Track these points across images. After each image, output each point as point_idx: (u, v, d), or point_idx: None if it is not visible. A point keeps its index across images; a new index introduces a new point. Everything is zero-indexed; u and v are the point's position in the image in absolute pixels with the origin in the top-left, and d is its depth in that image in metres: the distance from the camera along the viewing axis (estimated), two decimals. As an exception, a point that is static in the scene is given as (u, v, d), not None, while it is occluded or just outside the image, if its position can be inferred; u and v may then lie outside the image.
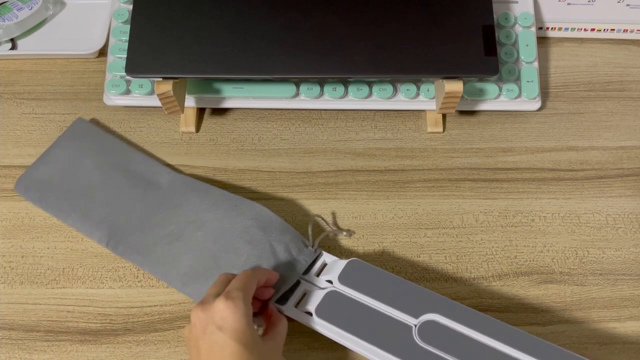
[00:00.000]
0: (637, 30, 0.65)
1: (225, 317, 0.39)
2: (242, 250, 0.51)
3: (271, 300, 0.47)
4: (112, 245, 0.53)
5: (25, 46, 0.66)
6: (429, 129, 0.61)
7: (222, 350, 0.39)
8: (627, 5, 0.63)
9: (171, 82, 0.54)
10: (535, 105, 0.61)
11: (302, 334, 0.49)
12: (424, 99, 0.60)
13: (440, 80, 0.56)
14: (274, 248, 0.50)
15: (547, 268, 0.54)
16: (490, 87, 0.59)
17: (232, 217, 0.52)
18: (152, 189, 0.55)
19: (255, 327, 0.41)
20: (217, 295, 0.41)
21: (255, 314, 0.44)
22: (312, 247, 0.51)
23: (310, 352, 0.50)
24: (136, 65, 0.53)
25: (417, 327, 0.44)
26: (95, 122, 0.61)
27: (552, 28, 0.65)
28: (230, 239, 0.51)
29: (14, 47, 0.65)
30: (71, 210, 0.54)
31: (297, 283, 0.49)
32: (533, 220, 0.56)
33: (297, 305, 0.47)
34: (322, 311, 0.45)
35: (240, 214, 0.52)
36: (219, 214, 0.53)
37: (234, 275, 0.44)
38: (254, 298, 0.43)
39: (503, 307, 0.52)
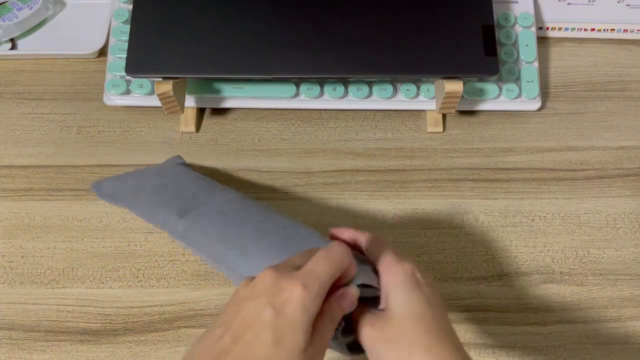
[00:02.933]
0: (637, 30, 0.65)
1: (287, 301, 0.32)
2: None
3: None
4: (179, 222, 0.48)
5: (25, 46, 0.66)
6: (429, 129, 0.61)
7: (256, 334, 0.31)
8: (627, 5, 0.63)
9: (171, 82, 0.54)
10: (535, 105, 0.61)
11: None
12: (424, 99, 0.60)
13: (440, 80, 0.56)
14: None
15: (547, 268, 0.54)
16: (490, 87, 0.59)
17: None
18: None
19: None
20: (297, 268, 0.34)
21: None
22: None
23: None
24: (136, 65, 0.53)
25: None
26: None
27: (552, 28, 0.65)
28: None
29: (14, 47, 0.65)
30: (142, 202, 0.51)
31: None
32: (533, 220, 0.56)
33: None
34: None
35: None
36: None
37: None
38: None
39: (503, 307, 0.52)
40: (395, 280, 0.36)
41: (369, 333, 0.35)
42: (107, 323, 0.51)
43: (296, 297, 0.32)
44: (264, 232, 0.46)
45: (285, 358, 0.31)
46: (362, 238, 0.41)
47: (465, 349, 0.35)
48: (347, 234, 0.42)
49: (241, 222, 0.47)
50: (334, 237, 0.42)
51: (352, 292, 0.35)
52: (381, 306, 0.37)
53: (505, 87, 0.60)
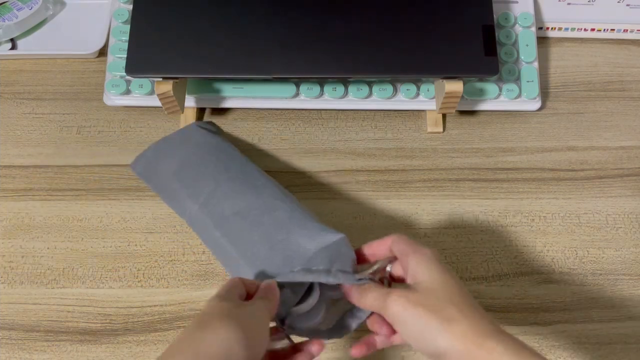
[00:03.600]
0: (637, 30, 0.65)
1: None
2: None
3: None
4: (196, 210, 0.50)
5: (25, 46, 0.66)
6: (429, 129, 0.61)
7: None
8: (627, 5, 0.63)
9: (171, 82, 0.54)
10: (535, 105, 0.61)
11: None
12: (424, 99, 0.60)
13: (440, 80, 0.56)
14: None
15: (547, 268, 0.54)
16: (490, 87, 0.59)
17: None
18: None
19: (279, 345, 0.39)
20: (241, 297, 0.39)
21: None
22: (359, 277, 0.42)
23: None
24: (136, 65, 0.53)
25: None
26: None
27: (552, 28, 0.65)
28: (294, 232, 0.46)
29: (14, 47, 0.65)
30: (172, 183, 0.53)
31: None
32: (533, 220, 0.56)
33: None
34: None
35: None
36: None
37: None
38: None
39: (503, 307, 0.52)
40: (421, 260, 0.38)
41: (400, 300, 0.37)
42: (107, 323, 0.51)
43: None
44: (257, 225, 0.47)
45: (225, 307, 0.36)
46: (387, 242, 0.42)
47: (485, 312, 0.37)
48: (372, 249, 0.44)
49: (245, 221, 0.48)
50: (361, 255, 0.44)
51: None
52: (408, 281, 0.39)
53: (505, 87, 0.60)
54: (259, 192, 0.49)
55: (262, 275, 0.45)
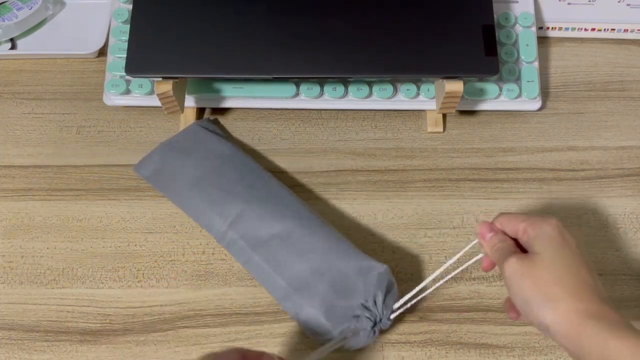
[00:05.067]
0: (637, 30, 0.65)
1: None
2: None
3: None
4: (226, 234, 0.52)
5: (25, 46, 0.66)
6: (429, 129, 0.61)
7: None
8: (627, 5, 0.63)
9: (171, 82, 0.54)
10: (536, 105, 0.60)
11: (304, 334, 0.49)
12: (424, 99, 0.60)
13: (441, 80, 0.56)
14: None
15: (547, 268, 0.54)
16: (491, 87, 0.59)
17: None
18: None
19: None
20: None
21: None
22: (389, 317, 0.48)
23: (311, 352, 0.49)
24: (136, 65, 0.53)
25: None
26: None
27: (552, 28, 0.65)
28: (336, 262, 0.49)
29: (13, 47, 0.65)
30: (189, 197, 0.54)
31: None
32: (533, 220, 0.56)
33: None
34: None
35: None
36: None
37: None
38: None
39: (503, 307, 0.52)
40: (539, 233, 0.39)
41: (514, 266, 0.38)
42: (107, 323, 0.51)
43: None
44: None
45: None
46: (495, 223, 0.43)
47: (611, 303, 0.36)
48: (485, 227, 0.43)
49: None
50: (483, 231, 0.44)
51: None
52: (529, 250, 0.39)
53: (505, 87, 0.60)
54: (293, 215, 0.51)
55: (307, 301, 0.48)
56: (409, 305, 0.48)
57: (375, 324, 0.46)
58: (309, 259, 0.49)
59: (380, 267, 0.48)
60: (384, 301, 0.46)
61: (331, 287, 0.47)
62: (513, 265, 0.38)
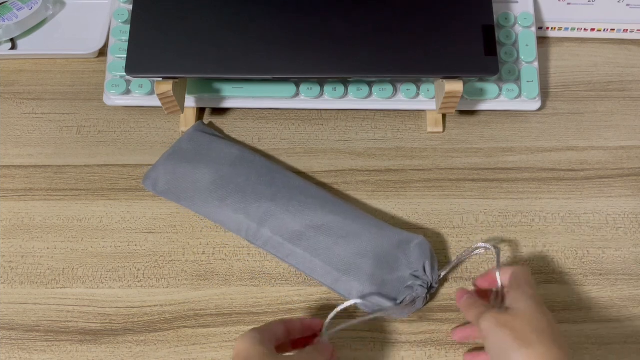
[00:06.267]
0: (637, 30, 0.65)
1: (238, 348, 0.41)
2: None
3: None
4: (256, 232, 0.53)
5: (25, 46, 0.66)
6: (429, 129, 0.61)
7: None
8: (627, 5, 0.63)
9: (171, 82, 0.54)
10: (536, 105, 0.61)
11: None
12: (424, 99, 0.60)
13: (440, 80, 0.56)
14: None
15: (547, 268, 0.54)
16: (490, 87, 0.59)
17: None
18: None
19: None
20: (278, 340, 0.43)
21: None
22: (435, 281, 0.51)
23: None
24: (136, 65, 0.53)
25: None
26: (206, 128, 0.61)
27: (552, 28, 0.65)
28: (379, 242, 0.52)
29: (14, 47, 0.65)
30: (208, 199, 0.54)
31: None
32: (533, 220, 0.56)
33: None
34: None
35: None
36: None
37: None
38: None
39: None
40: (521, 294, 0.43)
41: (490, 319, 0.42)
42: (107, 323, 0.51)
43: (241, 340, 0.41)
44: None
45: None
46: (509, 272, 0.47)
47: (568, 347, 0.41)
48: (460, 292, 0.49)
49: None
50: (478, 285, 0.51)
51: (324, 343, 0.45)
52: (507, 304, 0.44)
53: (505, 87, 0.60)
54: (321, 204, 0.53)
55: (358, 282, 0.50)
56: (451, 267, 0.52)
57: (428, 289, 0.49)
58: (348, 242, 0.51)
59: (418, 238, 0.51)
60: (431, 267, 0.50)
61: (377, 265, 0.50)
62: (490, 318, 0.42)
